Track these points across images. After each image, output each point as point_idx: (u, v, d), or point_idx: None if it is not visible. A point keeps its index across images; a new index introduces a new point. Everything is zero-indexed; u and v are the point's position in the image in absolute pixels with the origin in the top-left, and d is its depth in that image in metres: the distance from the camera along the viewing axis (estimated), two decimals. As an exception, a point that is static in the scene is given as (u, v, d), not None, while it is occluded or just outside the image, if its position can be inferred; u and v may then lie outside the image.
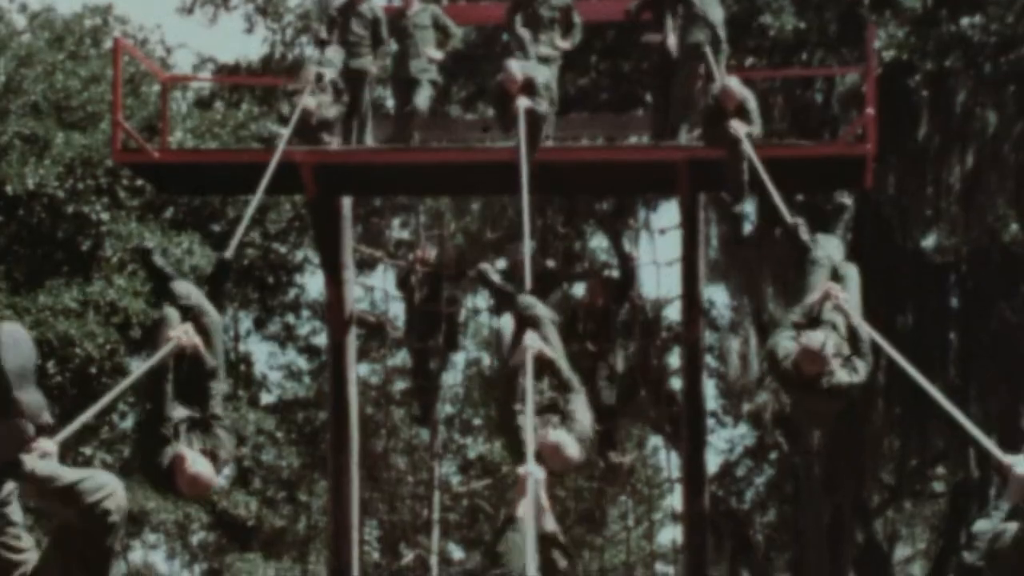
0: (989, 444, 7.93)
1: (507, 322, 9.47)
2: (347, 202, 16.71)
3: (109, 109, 20.14)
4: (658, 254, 23.31)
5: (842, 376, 9.83)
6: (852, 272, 10.71)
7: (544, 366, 8.88)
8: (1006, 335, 22.18)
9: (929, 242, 23.77)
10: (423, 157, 15.75)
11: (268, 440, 28.40)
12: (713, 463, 27.30)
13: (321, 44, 14.96)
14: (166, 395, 8.37)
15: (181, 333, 8.61)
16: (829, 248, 10.85)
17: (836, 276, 10.60)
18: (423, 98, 15.55)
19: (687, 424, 16.25)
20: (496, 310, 10.50)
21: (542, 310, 9.45)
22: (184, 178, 16.56)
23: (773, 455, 28.36)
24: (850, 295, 10.36)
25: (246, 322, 29.39)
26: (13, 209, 22.58)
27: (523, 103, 13.29)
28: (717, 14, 14.88)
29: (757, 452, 29.40)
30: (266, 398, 30.23)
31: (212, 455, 8.30)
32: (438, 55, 15.81)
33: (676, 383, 25.87)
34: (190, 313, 8.92)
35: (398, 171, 15.75)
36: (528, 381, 8.55)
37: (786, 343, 9.99)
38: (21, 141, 22.60)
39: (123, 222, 22.82)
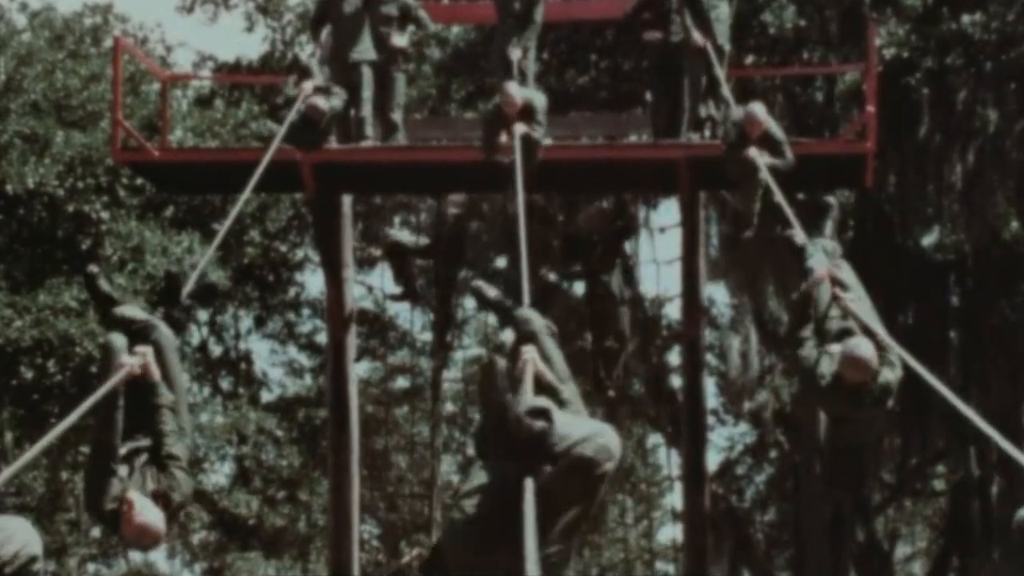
0: (996, 435, 7.83)
1: (508, 338, 8.82)
2: (347, 200, 16.71)
3: (109, 108, 20.13)
4: (658, 253, 23.29)
5: (887, 374, 9.17)
6: (844, 265, 10.25)
7: (540, 387, 8.13)
8: (1007, 333, 22.17)
9: (930, 240, 23.75)
10: (423, 156, 15.73)
11: (268, 439, 28.40)
12: (713, 461, 27.30)
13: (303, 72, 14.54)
14: (115, 425, 7.78)
15: (138, 358, 7.99)
16: (819, 256, 10.28)
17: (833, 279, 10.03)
18: (398, 97, 15.38)
19: (687, 422, 16.25)
20: (500, 325, 10.10)
21: (538, 323, 8.77)
22: (184, 177, 16.57)
23: (773, 453, 28.37)
24: (853, 292, 9.82)
25: (246, 320, 29.40)
26: (13, 208, 22.58)
27: (520, 129, 13.00)
28: (723, 13, 14.78)
29: (757, 450, 29.40)
30: (266, 396, 30.24)
31: (165, 497, 7.76)
32: (403, 43, 15.54)
33: (676, 381, 25.89)
34: (140, 334, 8.28)
35: (398, 170, 15.73)
36: (527, 385, 7.97)
37: (824, 361, 9.21)
38: (21, 140, 22.59)
39: (123, 221, 22.81)
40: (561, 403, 7.96)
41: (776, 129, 13.11)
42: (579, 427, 6.90)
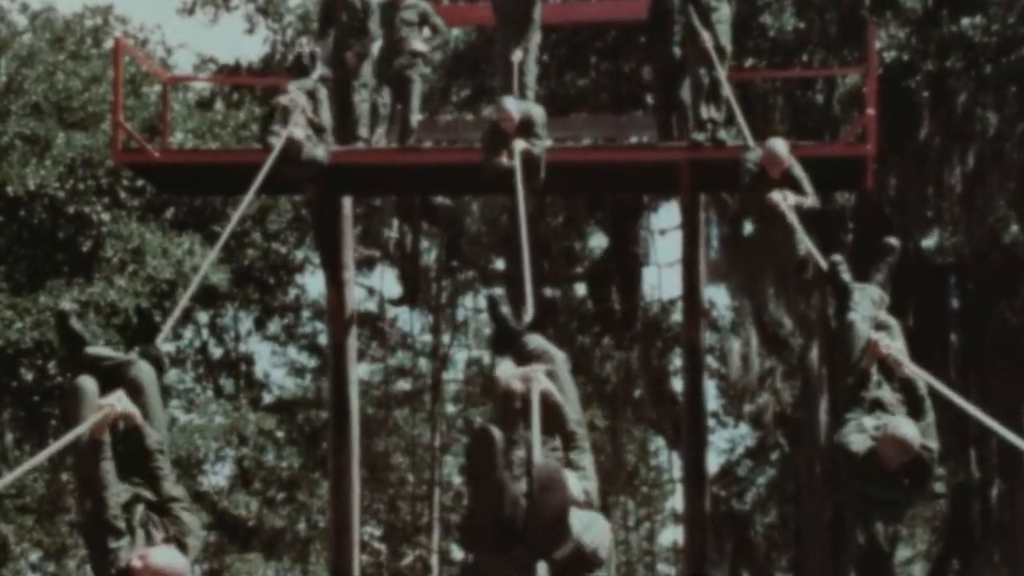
0: (1007, 432, 7.61)
1: (506, 370, 7.99)
2: (347, 202, 16.73)
3: (110, 109, 20.13)
4: (659, 255, 23.35)
5: (929, 445, 8.53)
6: (893, 323, 9.45)
7: (548, 412, 7.40)
8: (1006, 336, 22.18)
9: (930, 243, 23.76)
10: (423, 157, 15.75)
11: (268, 440, 28.39)
12: (714, 463, 27.33)
13: (302, 68, 14.58)
14: (108, 478, 7.26)
15: (114, 401, 7.43)
16: (866, 305, 9.48)
17: (877, 327, 9.29)
18: (415, 99, 15.40)
19: (688, 425, 16.26)
20: (495, 347, 9.06)
21: (556, 354, 8.13)
22: (185, 178, 16.60)
23: (774, 455, 28.37)
24: (897, 343, 9.02)
25: (247, 322, 29.40)
26: (14, 210, 22.56)
27: (519, 145, 12.85)
28: (724, 14, 14.72)
29: (758, 452, 29.41)
30: (267, 398, 30.23)
31: (178, 543, 7.29)
32: (423, 47, 15.57)
33: (677, 384, 25.91)
34: (114, 373, 7.76)
35: (398, 171, 15.75)
36: (535, 418, 7.22)
37: (858, 437, 8.53)
38: (22, 141, 22.58)
39: (124, 223, 22.80)
40: (567, 434, 7.54)
41: (797, 166, 12.19)
42: (588, 525, 6.90)
